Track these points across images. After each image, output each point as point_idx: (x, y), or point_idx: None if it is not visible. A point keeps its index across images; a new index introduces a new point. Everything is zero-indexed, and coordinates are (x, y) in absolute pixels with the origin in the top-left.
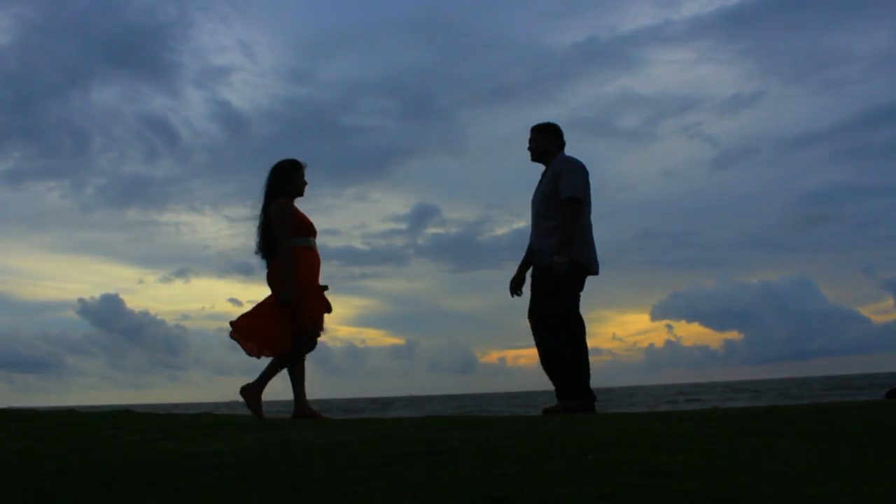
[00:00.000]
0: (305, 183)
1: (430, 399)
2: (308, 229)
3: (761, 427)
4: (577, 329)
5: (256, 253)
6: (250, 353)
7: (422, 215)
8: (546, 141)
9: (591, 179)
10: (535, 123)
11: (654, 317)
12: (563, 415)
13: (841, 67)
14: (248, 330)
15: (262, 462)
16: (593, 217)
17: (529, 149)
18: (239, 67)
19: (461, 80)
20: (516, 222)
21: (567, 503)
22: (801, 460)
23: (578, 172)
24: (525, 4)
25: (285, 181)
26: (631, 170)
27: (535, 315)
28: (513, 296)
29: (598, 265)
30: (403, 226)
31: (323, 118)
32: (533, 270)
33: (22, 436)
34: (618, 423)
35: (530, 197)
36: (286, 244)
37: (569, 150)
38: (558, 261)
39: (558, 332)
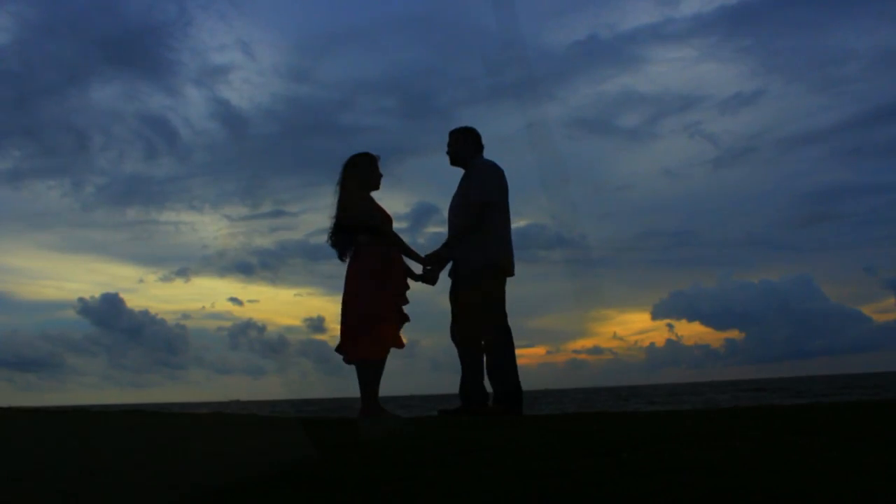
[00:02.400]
0: (381, 175)
1: (430, 399)
2: (390, 223)
3: (791, 425)
4: (506, 333)
5: (333, 247)
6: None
7: (422, 214)
8: (463, 145)
9: (592, 178)
10: (452, 128)
11: (655, 316)
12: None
13: (842, 66)
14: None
15: (304, 463)
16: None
17: (447, 153)
18: (238, 66)
19: (461, 79)
20: (516, 221)
21: (615, 501)
22: (838, 458)
23: (491, 176)
24: (525, 2)
25: (362, 175)
26: (631, 169)
27: (462, 328)
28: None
29: (514, 266)
30: (404, 225)
31: (322, 117)
32: (454, 280)
33: (61, 434)
34: (646, 422)
35: (528, 196)
36: (391, 233)
37: (569, 149)
38: (442, 253)
39: (491, 338)
